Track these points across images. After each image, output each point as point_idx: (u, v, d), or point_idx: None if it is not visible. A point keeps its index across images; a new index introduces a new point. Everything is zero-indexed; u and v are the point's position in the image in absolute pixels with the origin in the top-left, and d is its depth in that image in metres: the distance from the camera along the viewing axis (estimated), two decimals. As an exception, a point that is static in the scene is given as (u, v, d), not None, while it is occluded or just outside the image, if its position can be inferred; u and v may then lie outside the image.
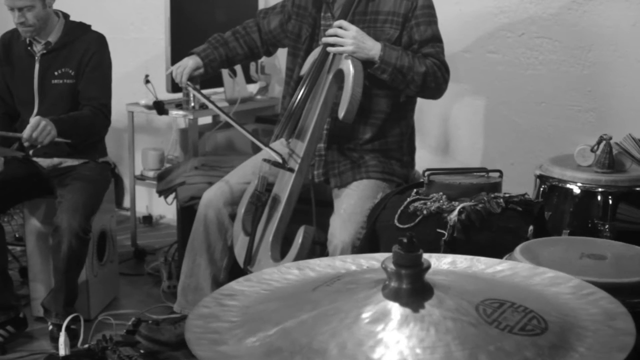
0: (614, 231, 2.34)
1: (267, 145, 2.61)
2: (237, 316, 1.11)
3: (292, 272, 1.28)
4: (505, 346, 0.97)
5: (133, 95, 3.95)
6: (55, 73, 3.08)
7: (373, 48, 2.46)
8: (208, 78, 2.99)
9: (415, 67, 2.48)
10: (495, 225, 2.20)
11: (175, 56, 2.91)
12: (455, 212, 2.19)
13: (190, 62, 2.78)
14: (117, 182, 4.21)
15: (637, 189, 2.41)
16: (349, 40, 2.45)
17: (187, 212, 3.19)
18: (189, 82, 2.76)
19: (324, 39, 2.53)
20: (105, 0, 4.47)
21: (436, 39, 2.58)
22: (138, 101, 3.82)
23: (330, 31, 2.50)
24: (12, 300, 3.00)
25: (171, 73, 2.83)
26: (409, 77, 2.48)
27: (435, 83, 2.53)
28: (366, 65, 2.47)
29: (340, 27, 2.47)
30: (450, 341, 0.97)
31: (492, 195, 2.27)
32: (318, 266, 1.30)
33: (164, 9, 3.62)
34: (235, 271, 2.62)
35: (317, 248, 2.50)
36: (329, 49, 2.51)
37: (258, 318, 1.09)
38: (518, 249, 1.82)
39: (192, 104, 3.61)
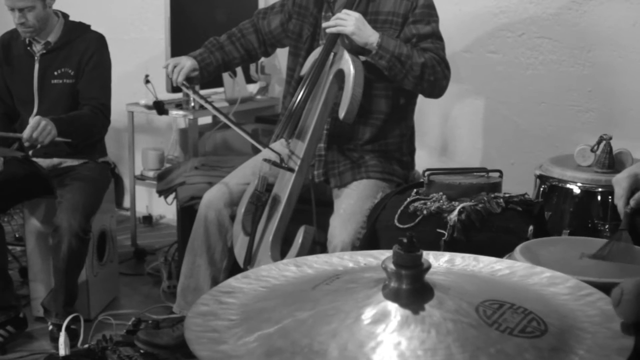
0: (614, 231, 2.33)
1: (264, 144, 2.61)
2: (236, 314, 1.11)
3: (290, 269, 1.28)
4: (505, 348, 0.96)
5: (133, 95, 3.95)
6: (55, 73, 3.08)
7: (372, 35, 2.47)
8: (204, 82, 2.99)
9: (414, 57, 2.48)
10: (495, 225, 2.19)
11: (175, 56, 2.93)
12: (455, 212, 2.19)
13: (188, 63, 2.77)
14: (117, 182, 4.20)
15: (637, 189, 2.41)
16: (350, 21, 2.45)
17: (187, 212, 3.18)
18: (184, 82, 2.76)
19: (325, 24, 2.53)
20: (105, 0, 4.46)
21: (436, 36, 2.57)
22: (138, 101, 3.82)
23: (333, 17, 2.51)
24: (12, 300, 3.00)
25: (168, 68, 2.80)
26: (407, 66, 2.47)
27: (434, 77, 2.52)
28: (365, 52, 2.47)
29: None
30: (451, 343, 0.97)
31: (492, 195, 2.27)
32: (316, 263, 1.30)
33: (164, 9, 3.63)
34: (235, 272, 2.61)
35: (317, 248, 2.50)
36: (329, 30, 2.51)
37: (257, 316, 1.09)
38: (518, 249, 1.81)
39: (192, 104, 3.60)
